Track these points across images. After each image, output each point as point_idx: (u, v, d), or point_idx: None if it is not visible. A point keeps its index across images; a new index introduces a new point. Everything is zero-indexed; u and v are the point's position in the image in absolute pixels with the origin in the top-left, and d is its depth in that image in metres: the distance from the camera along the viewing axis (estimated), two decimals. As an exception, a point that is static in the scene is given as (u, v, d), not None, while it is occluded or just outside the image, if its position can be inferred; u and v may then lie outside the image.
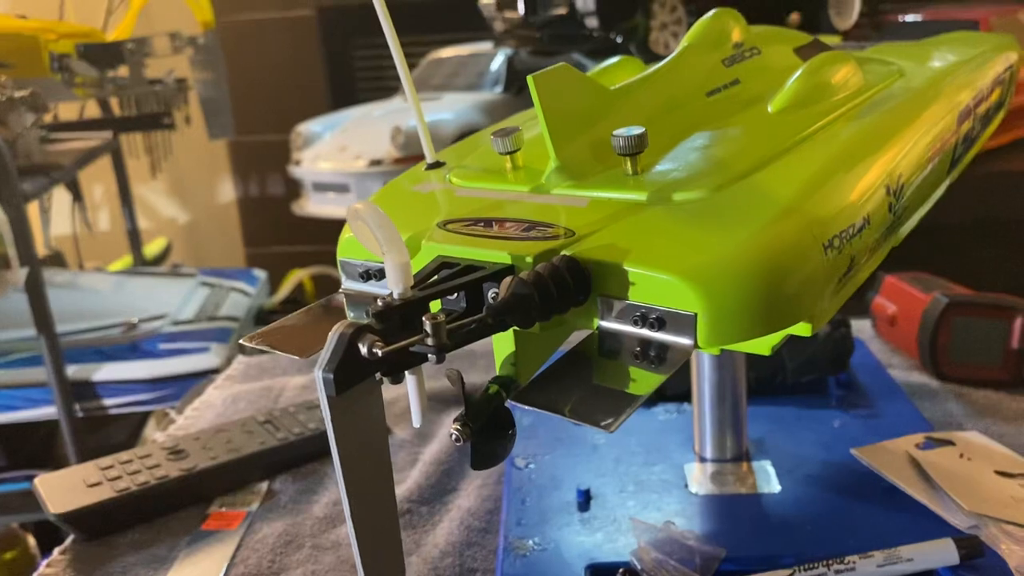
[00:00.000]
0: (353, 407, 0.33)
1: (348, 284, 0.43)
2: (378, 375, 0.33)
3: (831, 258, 0.35)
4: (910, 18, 1.50)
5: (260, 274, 1.67)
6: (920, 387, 0.76)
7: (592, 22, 1.20)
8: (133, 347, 1.37)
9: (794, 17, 1.40)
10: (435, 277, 0.36)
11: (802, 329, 0.34)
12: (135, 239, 1.80)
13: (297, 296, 1.67)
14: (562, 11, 1.21)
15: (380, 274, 0.41)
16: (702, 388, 0.59)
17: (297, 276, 1.64)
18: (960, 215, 1.19)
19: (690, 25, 1.27)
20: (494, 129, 0.45)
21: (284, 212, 1.60)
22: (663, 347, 0.33)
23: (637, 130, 0.38)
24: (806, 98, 0.46)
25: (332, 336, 0.31)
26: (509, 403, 0.36)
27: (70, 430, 1.28)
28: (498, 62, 1.50)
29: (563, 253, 0.35)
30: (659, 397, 0.70)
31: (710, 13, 0.54)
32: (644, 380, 0.33)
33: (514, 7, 1.29)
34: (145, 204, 2.25)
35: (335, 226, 0.47)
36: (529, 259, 0.35)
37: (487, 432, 0.35)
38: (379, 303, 0.32)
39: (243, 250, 2.22)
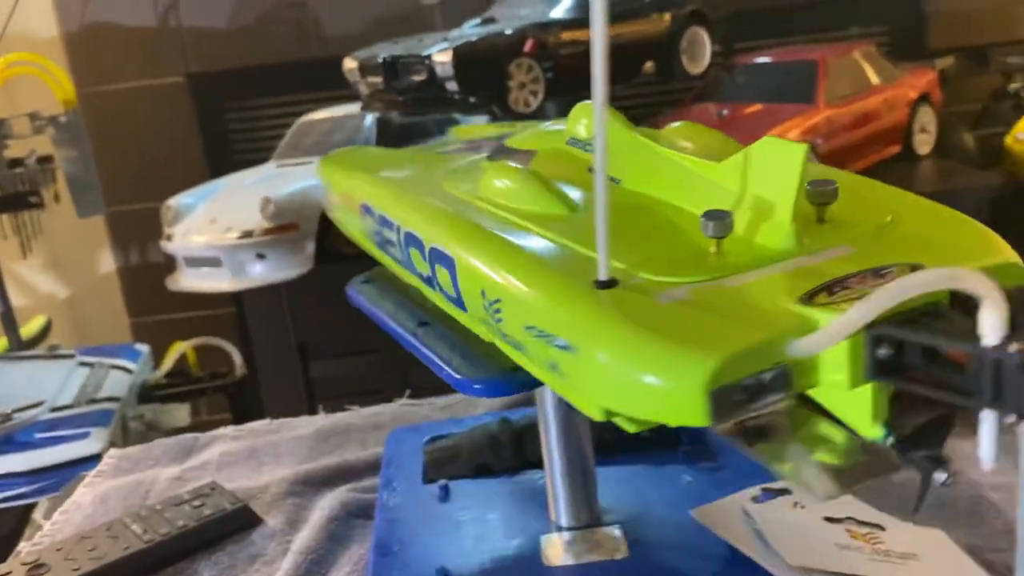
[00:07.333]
0: None
1: None
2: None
3: None
4: (760, 60, 1.59)
5: (142, 348, 1.64)
6: (770, 429, 0.80)
7: (452, 86, 1.23)
8: (8, 439, 1.33)
9: (649, 66, 1.46)
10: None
11: None
12: (9, 321, 1.74)
13: (182, 368, 1.64)
14: (421, 77, 1.24)
15: None
16: (551, 455, 0.61)
17: (179, 349, 1.62)
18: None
19: (547, 83, 1.31)
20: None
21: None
22: None
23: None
24: None
25: None
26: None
27: (-56, 533, 1.23)
28: (368, 123, 1.52)
29: None
30: (523, 464, 0.72)
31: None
32: None
33: (376, 73, 1.32)
34: (21, 282, 2.18)
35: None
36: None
37: None
38: None
39: (128, 321, 2.17)
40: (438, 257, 0.49)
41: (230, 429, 0.96)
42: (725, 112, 1.44)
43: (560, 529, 0.62)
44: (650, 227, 0.46)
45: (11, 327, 1.75)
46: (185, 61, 1.99)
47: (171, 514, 0.74)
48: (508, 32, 1.29)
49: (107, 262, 2.19)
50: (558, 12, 1.38)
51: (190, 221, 1.41)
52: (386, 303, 0.61)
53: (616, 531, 0.61)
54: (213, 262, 1.36)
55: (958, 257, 0.40)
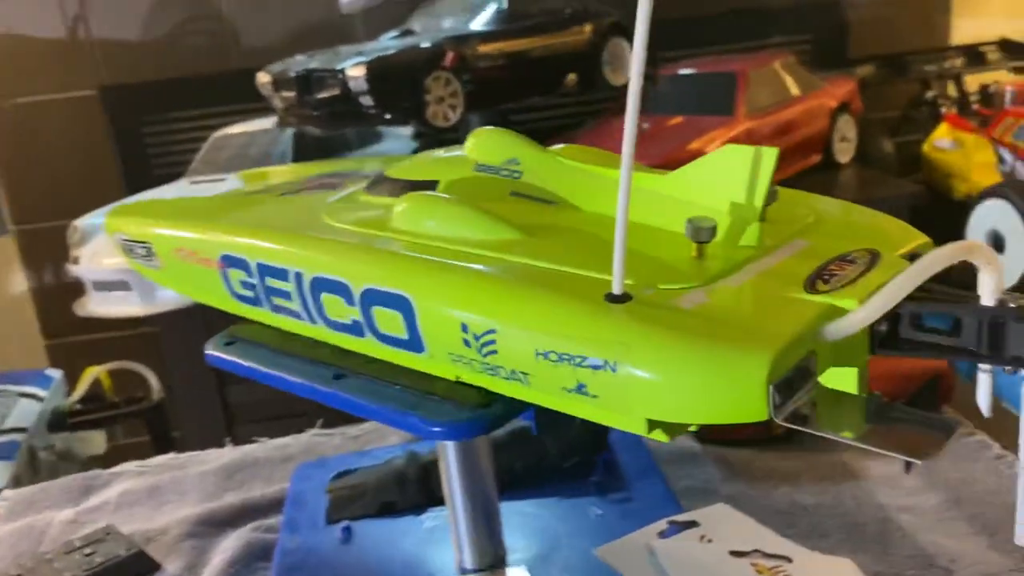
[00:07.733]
0: None
1: None
2: None
3: None
4: (682, 71, 1.59)
5: (54, 374, 1.57)
6: (684, 451, 0.79)
7: (367, 100, 1.20)
8: (-95, 477, 1.25)
9: (571, 78, 1.45)
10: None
11: None
12: (-88, 349, 1.66)
13: (97, 393, 1.58)
14: (335, 91, 1.21)
15: None
16: (453, 494, 0.59)
17: (93, 373, 1.55)
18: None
19: (467, 97, 1.29)
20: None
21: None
22: None
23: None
24: None
25: None
26: None
27: None
28: (285, 137, 1.48)
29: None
30: (431, 500, 0.70)
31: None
32: None
33: (290, 87, 1.28)
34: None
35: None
36: None
37: None
38: None
39: (43, 343, 2.09)
40: (379, 299, 0.45)
41: (133, 465, 0.92)
42: (646, 126, 1.43)
43: (464, 571, 0.60)
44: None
45: (-86, 354, 1.67)
46: (98, 74, 1.92)
47: (61, 564, 0.70)
48: (426, 45, 1.26)
49: (19, 283, 2.10)
50: (478, 24, 1.35)
51: (97, 243, 1.36)
52: (273, 360, 0.55)
53: (522, 572, 0.59)
54: (122, 286, 1.31)
55: (890, 242, 0.44)
